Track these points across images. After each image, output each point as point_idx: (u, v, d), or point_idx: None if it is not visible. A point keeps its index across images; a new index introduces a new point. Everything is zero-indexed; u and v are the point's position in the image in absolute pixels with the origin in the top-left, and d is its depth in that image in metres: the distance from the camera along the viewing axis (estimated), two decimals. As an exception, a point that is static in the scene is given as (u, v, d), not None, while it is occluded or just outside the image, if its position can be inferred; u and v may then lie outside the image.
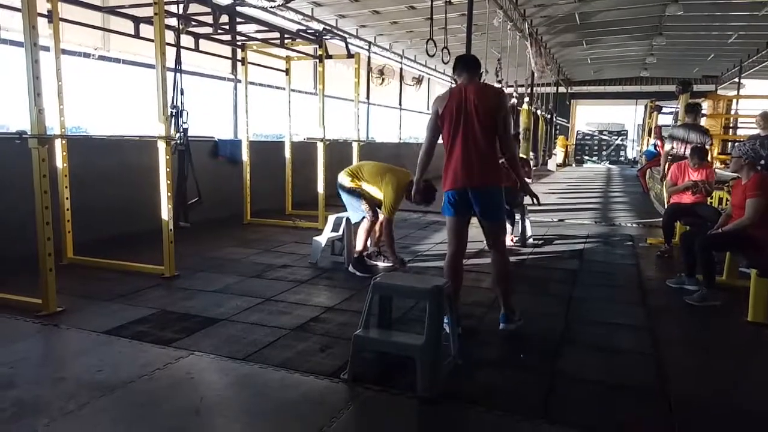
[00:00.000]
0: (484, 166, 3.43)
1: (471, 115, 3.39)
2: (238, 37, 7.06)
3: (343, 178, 5.09)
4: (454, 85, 3.61)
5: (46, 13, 4.79)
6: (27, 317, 3.64)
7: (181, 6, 5.38)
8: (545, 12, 12.58)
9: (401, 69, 15.72)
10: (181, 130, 4.43)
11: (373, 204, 5.07)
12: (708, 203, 6.03)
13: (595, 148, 27.14)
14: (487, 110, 3.40)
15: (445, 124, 3.47)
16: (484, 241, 3.74)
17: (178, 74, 4.47)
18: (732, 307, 4.16)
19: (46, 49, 4.68)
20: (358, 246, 5.03)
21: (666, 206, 6.42)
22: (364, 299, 3.02)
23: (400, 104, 16.05)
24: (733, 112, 12.62)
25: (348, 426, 2.48)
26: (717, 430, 2.55)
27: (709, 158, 6.46)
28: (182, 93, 4.45)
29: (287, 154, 8.31)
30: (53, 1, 4.86)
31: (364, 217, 5.06)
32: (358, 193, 5.02)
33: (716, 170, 7.14)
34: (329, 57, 7.42)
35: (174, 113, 4.48)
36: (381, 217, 5.08)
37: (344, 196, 5.14)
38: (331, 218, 5.51)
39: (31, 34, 3.55)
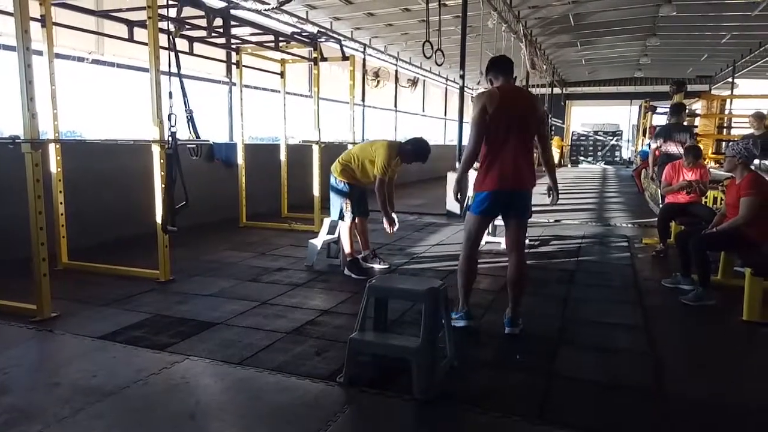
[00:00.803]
0: (529, 168, 3.57)
1: (523, 119, 3.48)
2: (233, 40, 7.05)
3: (334, 174, 5.12)
4: (496, 85, 3.57)
5: (39, 18, 4.78)
6: (21, 323, 3.62)
7: (174, 9, 5.37)
8: (539, 13, 12.60)
9: (396, 71, 15.74)
10: (170, 133, 4.42)
11: (364, 183, 5.10)
12: (703, 203, 6.05)
13: (591, 148, 27.22)
14: (535, 114, 3.56)
15: (494, 124, 3.43)
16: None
17: (178, 78, 4.46)
18: (727, 307, 4.17)
19: (39, 53, 4.67)
20: (346, 248, 5.05)
21: (660, 206, 6.44)
22: (359, 302, 3.01)
23: (395, 106, 16.06)
24: (726, 111, 12.67)
25: (344, 429, 2.47)
26: (713, 428, 2.56)
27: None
28: (171, 96, 4.43)
29: (282, 156, 8.29)
30: (46, 5, 4.84)
31: (341, 218, 5.06)
32: (344, 192, 5.05)
33: (711, 170, 7.18)
34: (324, 59, 7.43)
35: (188, 117, 4.50)
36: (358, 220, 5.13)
37: (331, 193, 5.19)
38: (327, 221, 5.50)
39: (24, 38, 3.54)
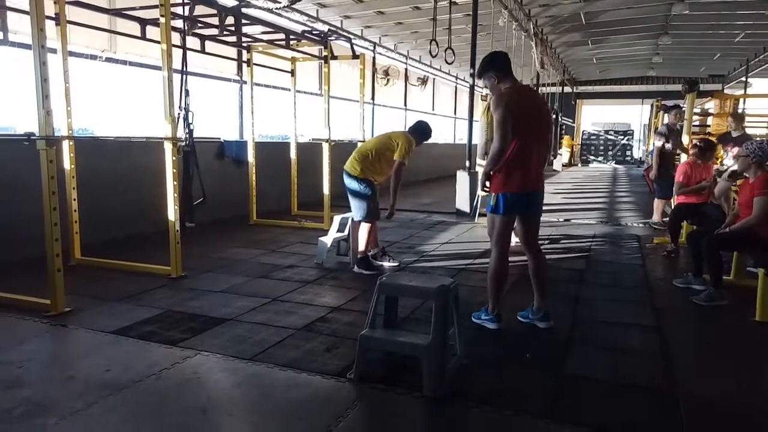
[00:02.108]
0: (543, 167, 3.71)
1: (539, 119, 3.56)
2: (244, 39, 7.08)
3: (352, 174, 5.05)
4: (509, 86, 3.53)
5: (54, 16, 4.83)
6: (36, 317, 3.67)
7: (187, 8, 5.40)
8: (550, 12, 12.55)
9: (406, 69, 15.72)
10: (187, 131, 4.45)
11: (385, 181, 5.18)
12: (711, 201, 6.00)
13: (601, 147, 27.05)
14: (547, 115, 3.69)
15: (519, 126, 3.42)
16: (513, 242, 3.87)
17: (184, 76, 4.50)
18: (739, 307, 4.13)
19: (54, 51, 4.71)
20: (361, 246, 5.06)
21: (672, 206, 6.41)
22: (369, 299, 3.02)
23: (405, 105, 16.06)
24: (739, 111, 12.55)
25: (354, 425, 2.49)
26: (725, 429, 2.54)
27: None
28: (188, 94, 4.47)
29: (293, 154, 8.32)
30: (61, 4, 4.89)
31: (368, 218, 5.06)
32: (366, 195, 5.03)
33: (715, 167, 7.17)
34: (334, 58, 7.44)
35: (183, 115, 4.52)
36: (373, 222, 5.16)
37: (351, 194, 5.13)
38: (337, 218, 5.52)
39: (39, 36, 3.57)
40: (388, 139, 5.11)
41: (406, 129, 5.40)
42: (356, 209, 5.11)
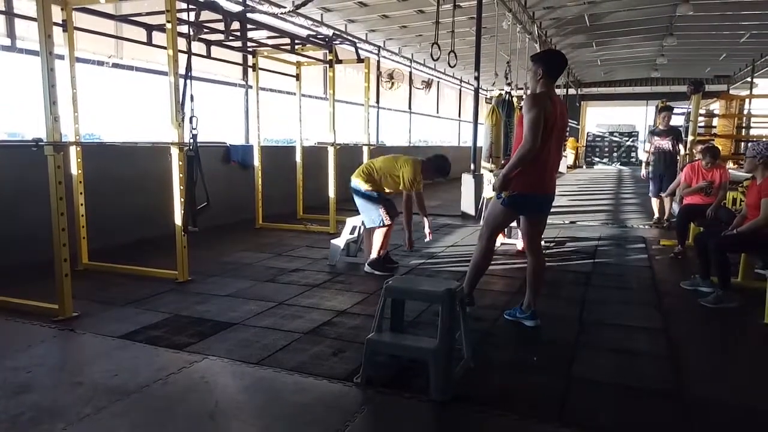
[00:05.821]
0: (556, 173, 3.84)
1: (562, 127, 3.65)
2: (249, 44, 7.11)
3: (359, 183, 5.11)
4: (545, 90, 3.60)
5: (61, 23, 4.86)
6: (43, 322, 3.68)
7: (193, 13, 5.43)
8: (554, 14, 12.53)
9: (410, 73, 15.74)
10: (192, 135, 4.48)
11: (392, 193, 5.21)
12: (722, 204, 5.97)
13: (606, 149, 26.98)
14: (566, 123, 3.82)
15: (547, 129, 3.47)
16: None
17: (189, 81, 4.52)
18: (747, 310, 4.12)
19: (61, 57, 4.75)
20: (374, 252, 5.08)
21: (679, 207, 6.39)
22: (376, 303, 3.02)
23: (409, 108, 16.07)
24: (745, 112, 12.49)
25: (362, 429, 2.48)
26: (734, 433, 2.53)
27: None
28: (192, 99, 4.50)
29: (298, 158, 8.34)
30: (68, 11, 4.93)
31: (379, 223, 5.08)
32: (375, 199, 5.06)
33: (729, 170, 7.11)
34: (339, 62, 7.46)
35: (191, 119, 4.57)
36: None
37: (360, 201, 5.14)
38: (350, 221, 5.55)
39: (47, 42, 3.60)
40: (395, 164, 5.09)
41: (421, 157, 5.36)
42: (367, 217, 5.13)
